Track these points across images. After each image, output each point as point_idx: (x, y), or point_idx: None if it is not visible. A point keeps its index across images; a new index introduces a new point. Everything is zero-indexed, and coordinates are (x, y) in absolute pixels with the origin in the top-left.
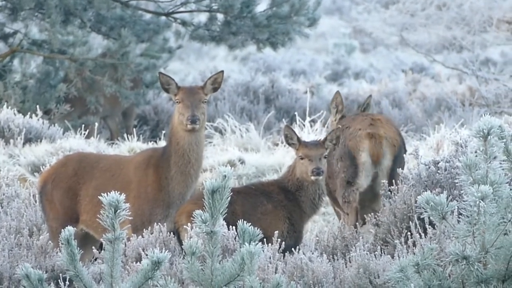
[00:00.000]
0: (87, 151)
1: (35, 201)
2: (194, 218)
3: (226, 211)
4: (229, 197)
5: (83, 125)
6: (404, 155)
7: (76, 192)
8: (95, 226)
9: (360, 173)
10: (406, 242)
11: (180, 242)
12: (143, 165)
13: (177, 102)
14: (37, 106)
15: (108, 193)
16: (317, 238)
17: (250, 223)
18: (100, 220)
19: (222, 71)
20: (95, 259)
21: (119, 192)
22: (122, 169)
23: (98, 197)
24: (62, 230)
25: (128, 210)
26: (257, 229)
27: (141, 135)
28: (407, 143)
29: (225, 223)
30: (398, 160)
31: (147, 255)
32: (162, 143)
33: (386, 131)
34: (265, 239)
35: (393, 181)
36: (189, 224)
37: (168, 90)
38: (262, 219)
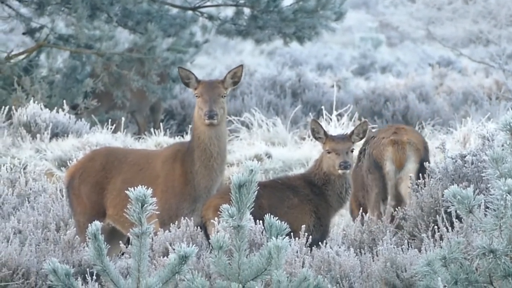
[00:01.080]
0: (114, 145)
1: (62, 196)
2: (221, 212)
3: (253, 205)
4: (256, 191)
5: (109, 120)
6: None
7: (103, 187)
8: (122, 221)
9: (387, 185)
10: (433, 236)
11: (207, 236)
12: (170, 159)
13: (197, 96)
14: (64, 101)
15: (135, 187)
16: (344, 232)
17: (276, 217)
18: (127, 214)
19: (242, 65)
20: (122, 254)
21: (146, 186)
22: (150, 163)
23: (125, 191)
24: (89, 224)
25: (155, 205)
26: (284, 223)
27: (168, 130)
28: (433, 137)
29: (252, 217)
30: (423, 165)
31: (174, 249)
32: (188, 138)
33: (409, 137)
34: (291, 233)
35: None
36: (216, 218)
37: (188, 84)
38: (289, 213)
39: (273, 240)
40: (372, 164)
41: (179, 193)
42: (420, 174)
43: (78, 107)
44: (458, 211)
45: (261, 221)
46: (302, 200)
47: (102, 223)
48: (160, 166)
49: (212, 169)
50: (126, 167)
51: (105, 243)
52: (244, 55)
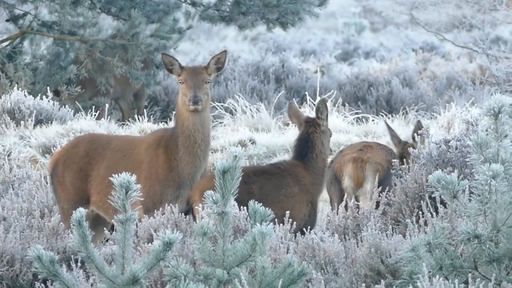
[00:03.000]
0: (98, 132)
1: (46, 183)
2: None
3: (241, 190)
4: (247, 177)
5: (93, 106)
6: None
7: (87, 173)
8: (106, 207)
9: (346, 197)
10: (417, 222)
11: (194, 218)
12: (154, 146)
13: (181, 82)
14: (48, 87)
15: (119, 173)
16: (329, 218)
17: (267, 204)
18: (111, 201)
19: (225, 51)
20: (107, 240)
21: (130, 173)
22: (133, 149)
23: (109, 178)
24: (74, 211)
25: (139, 191)
26: (279, 210)
27: (151, 116)
28: None
29: (236, 203)
30: (384, 185)
31: (158, 236)
32: (172, 124)
33: (371, 156)
34: (290, 221)
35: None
36: (202, 200)
37: (171, 71)
38: (285, 201)
39: (258, 226)
40: (333, 177)
41: (163, 179)
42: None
43: (62, 93)
44: (442, 197)
45: (246, 208)
46: (302, 190)
47: (86, 210)
48: (144, 152)
49: (196, 156)
50: (109, 153)
51: (90, 230)
52: (227, 41)
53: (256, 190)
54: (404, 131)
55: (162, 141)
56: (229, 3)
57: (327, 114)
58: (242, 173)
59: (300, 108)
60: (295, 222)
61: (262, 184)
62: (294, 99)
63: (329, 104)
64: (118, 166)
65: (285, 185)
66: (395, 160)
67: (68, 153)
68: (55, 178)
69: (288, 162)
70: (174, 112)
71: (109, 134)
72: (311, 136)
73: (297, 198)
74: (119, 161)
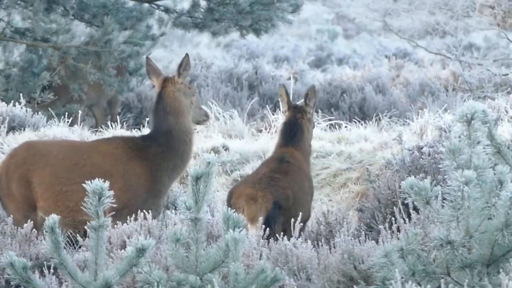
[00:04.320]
0: (70, 138)
1: None
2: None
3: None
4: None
5: (66, 113)
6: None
7: (28, 180)
8: (54, 214)
9: None
10: (390, 228)
11: None
12: (124, 158)
13: (195, 95)
14: (21, 94)
15: (74, 182)
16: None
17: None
18: (84, 207)
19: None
20: (80, 247)
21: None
22: (87, 158)
23: (57, 185)
24: (25, 220)
25: (112, 199)
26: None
27: (125, 123)
28: (390, 129)
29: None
30: None
31: (131, 242)
32: (146, 130)
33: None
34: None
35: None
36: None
37: (180, 74)
38: (305, 198)
39: (231, 232)
40: None
41: (144, 191)
42: None
43: (35, 100)
44: (415, 203)
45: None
46: (309, 182)
47: (35, 216)
48: (111, 164)
49: (188, 161)
50: (52, 160)
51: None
52: (200, 48)
53: (291, 194)
54: (377, 137)
55: (133, 153)
56: (202, 10)
57: (315, 102)
58: (276, 177)
59: (273, 115)
60: (261, 226)
61: (293, 187)
62: (267, 106)
63: None
64: (70, 174)
65: (301, 182)
66: None
67: (8, 164)
68: (1, 192)
69: (288, 152)
70: (148, 119)
71: (50, 140)
72: (299, 121)
73: (309, 191)
74: (70, 169)
